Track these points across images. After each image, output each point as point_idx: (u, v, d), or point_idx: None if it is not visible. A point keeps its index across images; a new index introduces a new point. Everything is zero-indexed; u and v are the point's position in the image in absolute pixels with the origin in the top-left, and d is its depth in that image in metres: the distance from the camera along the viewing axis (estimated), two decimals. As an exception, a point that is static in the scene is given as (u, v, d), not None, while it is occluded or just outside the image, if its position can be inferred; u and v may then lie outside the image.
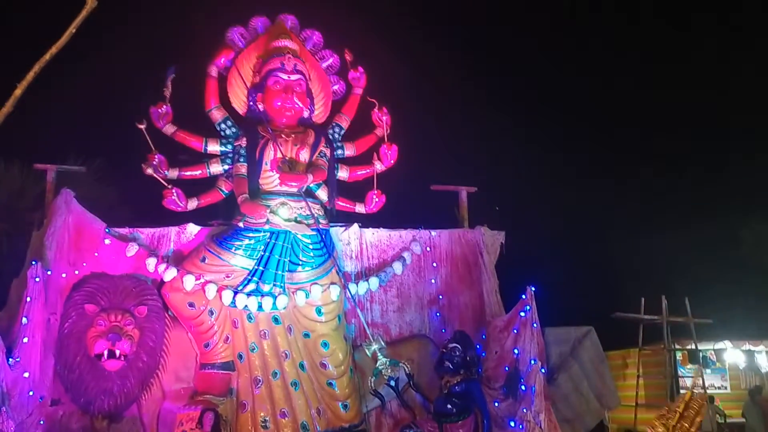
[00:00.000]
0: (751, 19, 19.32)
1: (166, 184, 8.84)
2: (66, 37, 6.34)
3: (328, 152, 9.48)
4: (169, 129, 9.08)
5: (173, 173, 9.02)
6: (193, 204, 9.06)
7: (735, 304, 15.61)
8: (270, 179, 9.13)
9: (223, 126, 9.35)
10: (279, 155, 9.08)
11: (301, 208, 9.09)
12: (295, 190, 9.10)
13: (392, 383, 9.00)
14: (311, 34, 9.99)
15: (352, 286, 9.36)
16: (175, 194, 8.85)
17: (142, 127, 8.62)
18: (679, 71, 21.11)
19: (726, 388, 16.43)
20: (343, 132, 9.90)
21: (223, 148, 9.30)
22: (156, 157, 8.80)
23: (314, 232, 9.09)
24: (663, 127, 21.09)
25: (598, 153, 20.02)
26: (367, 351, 9.01)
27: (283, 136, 9.21)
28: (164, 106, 9.00)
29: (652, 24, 21.40)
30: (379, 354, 8.90)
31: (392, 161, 9.79)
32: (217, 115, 9.34)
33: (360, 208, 9.77)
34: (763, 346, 15.86)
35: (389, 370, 8.85)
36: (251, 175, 9.04)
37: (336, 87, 10.04)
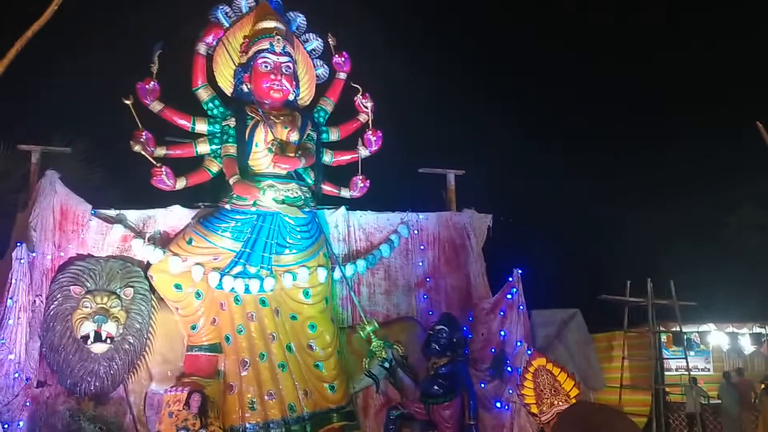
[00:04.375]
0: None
1: (154, 162, 8.77)
2: (48, 14, 6.26)
3: (315, 136, 9.46)
4: (157, 106, 9.00)
5: (160, 151, 8.95)
6: (181, 183, 9.00)
7: (719, 288, 15.74)
8: (259, 161, 9.09)
9: (210, 105, 9.28)
10: (270, 137, 9.04)
11: (289, 190, 9.07)
12: (284, 172, 9.08)
13: (386, 364, 9.01)
14: (295, 17, 9.93)
15: (339, 269, 9.37)
16: (164, 173, 8.77)
17: (129, 103, 8.53)
18: (666, 50, 21.21)
19: (709, 370, 16.56)
20: (327, 116, 9.89)
21: (211, 128, 9.25)
22: (143, 133, 8.72)
23: (304, 215, 9.08)
24: (650, 111, 21.18)
25: (585, 137, 20.07)
26: (361, 333, 9.03)
27: (272, 117, 9.17)
28: (152, 82, 8.92)
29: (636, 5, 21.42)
30: (373, 336, 8.93)
31: (377, 147, 9.81)
32: (203, 94, 9.28)
33: (345, 193, 9.81)
34: (746, 329, 16.00)
35: (383, 352, 8.88)
36: (240, 155, 9.00)
37: (320, 70, 9.99)
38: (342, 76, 9.94)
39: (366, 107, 9.81)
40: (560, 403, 6.54)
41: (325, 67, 9.99)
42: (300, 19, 9.94)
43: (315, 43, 9.94)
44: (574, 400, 7.02)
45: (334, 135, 9.84)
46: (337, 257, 9.52)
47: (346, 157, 9.86)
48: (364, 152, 9.77)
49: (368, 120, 9.84)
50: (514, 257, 9.90)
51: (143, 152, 8.69)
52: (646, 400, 13.20)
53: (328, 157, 9.76)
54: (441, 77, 18.75)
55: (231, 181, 8.86)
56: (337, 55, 9.89)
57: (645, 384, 12.99)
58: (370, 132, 9.81)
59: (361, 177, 9.73)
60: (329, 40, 9.87)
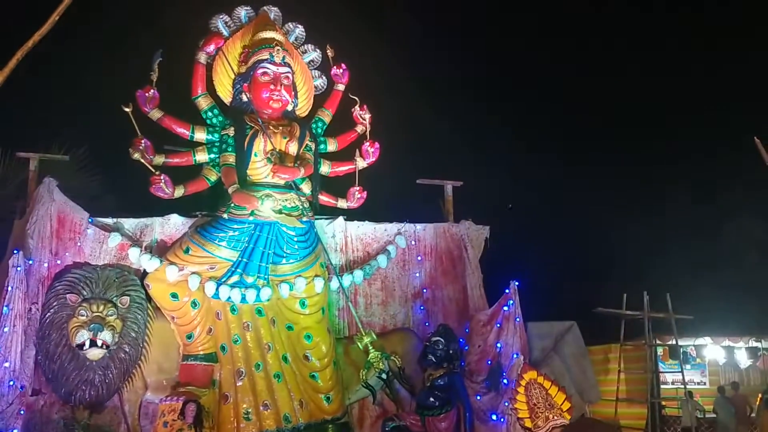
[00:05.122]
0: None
1: (153, 170, 8.77)
2: (49, 25, 6.28)
3: (313, 146, 9.49)
4: (156, 114, 9.01)
5: (159, 159, 8.95)
6: (179, 192, 8.99)
7: (715, 301, 15.75)
8: (258, 170, 9.10)
9: (209, 114, 9.29)
10: (269, 147, 9.06)
11: (286, 200, 9.08)
12: (282, 182, 9.09)
13: (383, 376, 8.99)
14: (294, 27, 9.97)
15: (336, 280, 9.36)
16: (163, 181, 8.77)
17: (128, 110, 8.55)
18: (659, 61, 21.29)
19: (705, 383, 16.60)
20: (325, 127, 9.92)
21: (210, 137, 9.26)
22: (142, 141, 8.73)
23: (303, 225, 9.09)
24: (649, 123, 21.24)
25: (583, 149, 20.11)
26: (359, 344, 9.01)
27: (271, 127, 9.19)
28: (151, 90, 8.93)
29: (631, 12, 21.47)
30: (370, 347, 8.91)
31: (374, 158, 9.86)
32: (203, 103, 9.29)
33: (342, 203, 9.83)
34: (742, 343, 16.05)
35: (380, 363, 8.86)
36: (239, 165, 9.00)
37: (318, 81, 10.04)
38: (340, 87, 9.98)
39: (364, 119, 9.88)
40: (555, 417, 6.54)
41: (324, 78, 10.04)
42: (299, 30, 9.98)
43: (313, 54, 9.99)
44: (567, 414, 7.03)
45: (331, 146, 9.88)
46: (335, 267, 9.52)
47: (343, 168, 9.90)
48: (361, 163, 9.82)
49: (366, 131, 9.89)
50: (511, 269, 9.90)
51: (142, 160, 8.69)
52: (642, 413, 13.21)
53: (325, 168, 9.79)
54: (440, 88, 18.79)
55: (230, 191, 8.87)
56: (335, 67, 9.94)
57: (641, 397, 12.99)
58: (368, 143, 9.86)
59: (358, 188, 9.77)
60: (327, 51, 9.92)
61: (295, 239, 9.11)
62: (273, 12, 9.81)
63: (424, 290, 10.12)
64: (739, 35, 19.42)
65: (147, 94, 8.91)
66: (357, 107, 9.92)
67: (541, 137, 20.02)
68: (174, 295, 8.74)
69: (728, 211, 18.65)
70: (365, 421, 9.49)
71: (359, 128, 9.97)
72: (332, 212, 9.91)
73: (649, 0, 21.20)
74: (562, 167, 19.92)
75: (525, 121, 20.14)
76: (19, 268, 7.98)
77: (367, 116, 9.88)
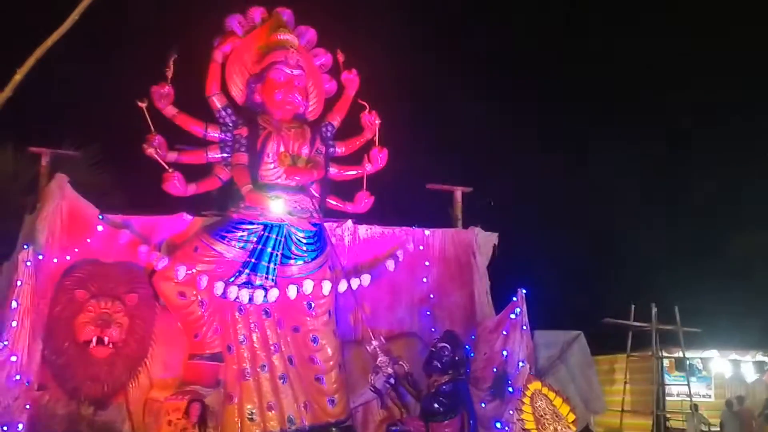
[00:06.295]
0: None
1: (167, 167, 8.79)
2: (68, 24, 6.30)
3: (323, 149, 9.50)
4: (170, 111, 9.02)
5: (172, 156, 8.98)
6: (192, 189, 9.02)
7: (723, 314, 15.70)
8: (270, 171, 9.10)
9: (223, 113, 9.29)
10: (282, 149, 9.07)
11: (296, 201, 9.10)
12: (293, 184, 9.10)
13: (391, 380, 8.96)
14: (306, 31, 9.98)
15: (344, 283, 9.35)
16: (176, 178, 8.81)
17: (144, 105, 8.57)
18: (669, 74, 21.27)
19: (710, 396, 16.52)
20: (334, 131, 9.92)
21: (223, 136, 9.26)
22: (156, 138, 8.76)
23: (314, 228, 9.09)
24: (655, 135, 21.19)
25: (592, 159, 20.09)
26: (367, 347, 8.99)
27: (283, 129, 9.21)
28: (166, 87, 8.96)
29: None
30: (378, 351, 8.89)
31: (382, 164, 9.86)
32: (217, 102, 9.29)
33: (350, 207, 9.84)
34: (749, 357, 15.98)
35: (388, 368, 8.83)
36: (251, 165, 9.02)
37: (328, 85, 10.04)
38: (351, 92, 9.97)
39: (373, 124, 9.87)
40: (563, 429, 6.52)
41: (334, 82, 10.04)
42: (310, 34, 9.99)
43: (324, 58, 10.00)
44: (573, 426, 7.02)
45: (340, 149, 9.88)
46: (343, 270, 9.51)
47: (351, 173, 9.90)
48: (369, 168, 9.81)
49: (374, 137, 9.89)
50: (519, 276, 9.88)
51: (156, 156, 8.72)
52: (647, 425, 13.15)
53: (334, 172, 9.79)
54: (452, 94, 18.78)
55: (243, 191, 8.88)
56: (346, 71, 9.94)
57: (646, 409, 12.93)
58: (376, 149, 9.85)
59: (366, 193, 9.77)
60: (338, 56, 9.93)
61: (304, 241, 9.11)
62: (286, 14, 9.82)
63: (431, 295, 10.10)
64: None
65: (162, 91, 8.94)
66: (366, 112, 9.91)
67: (552, 146, 19.99)
68: (182, 294, 8.75)
69: (737, 223, 18.59)
70: (369, 425, 9.47)
71: (368, 133, 9.96)
72: (341, 215, 9.91)
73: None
74: (572, 176, 19.87)
75: (535, 130, 20.12)
76: (28, 264, 8.01)
77: (376, 121, 9.88)
